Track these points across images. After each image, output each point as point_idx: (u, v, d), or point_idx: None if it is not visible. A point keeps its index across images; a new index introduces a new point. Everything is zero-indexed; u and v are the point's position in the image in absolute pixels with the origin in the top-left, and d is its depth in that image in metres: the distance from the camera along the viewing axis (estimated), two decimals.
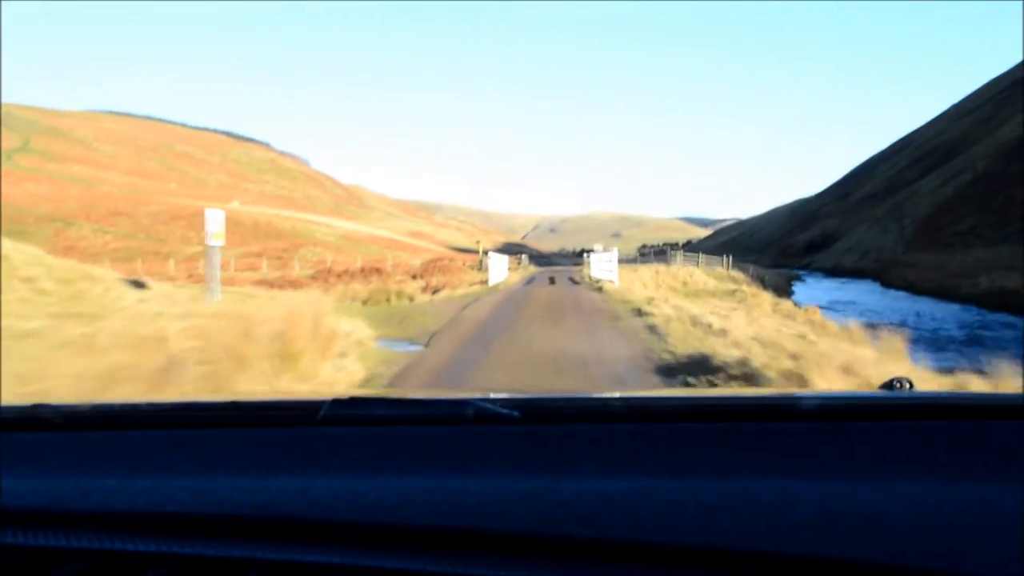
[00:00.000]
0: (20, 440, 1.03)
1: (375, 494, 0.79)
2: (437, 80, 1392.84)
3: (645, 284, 21.69)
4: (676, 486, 0.77)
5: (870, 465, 0.81)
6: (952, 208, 52.03)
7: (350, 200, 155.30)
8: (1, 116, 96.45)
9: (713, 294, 21.18)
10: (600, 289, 19.50)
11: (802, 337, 7.54)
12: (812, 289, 35.73)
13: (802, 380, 4.89)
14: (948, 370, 5.91)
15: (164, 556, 0.76)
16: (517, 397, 1.15)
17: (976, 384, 4.47)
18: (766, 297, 19.93)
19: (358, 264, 35.72)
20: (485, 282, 23.18)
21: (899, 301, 29.33)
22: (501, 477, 0.82)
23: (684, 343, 7.45)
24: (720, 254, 39.30)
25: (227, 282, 28.10)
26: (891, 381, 1.15)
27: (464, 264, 35.95)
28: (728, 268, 33.82)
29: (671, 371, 6.16)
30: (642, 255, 46.38)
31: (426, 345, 8.27)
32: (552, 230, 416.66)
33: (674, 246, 73.61)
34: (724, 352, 6.13)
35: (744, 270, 33.26)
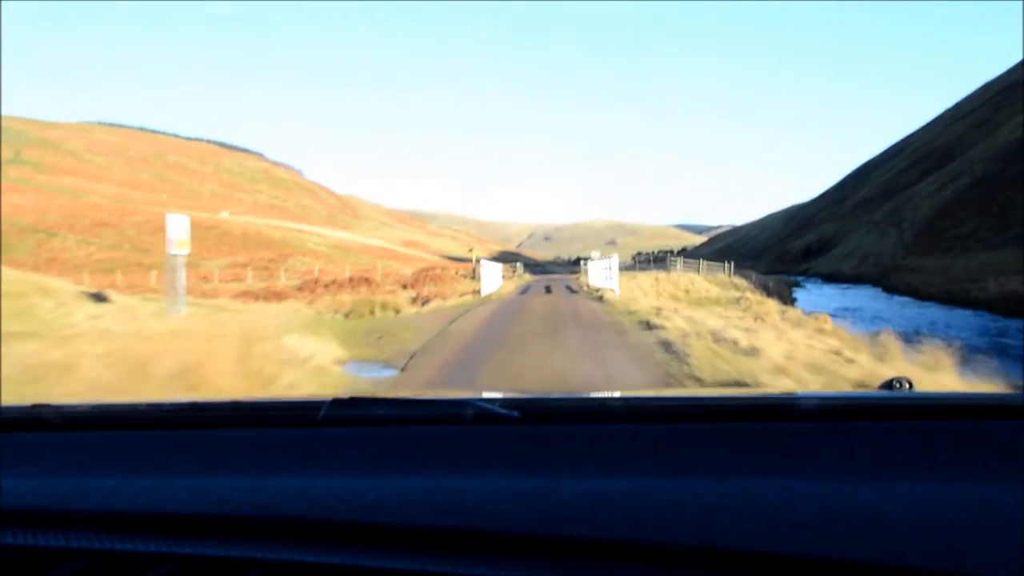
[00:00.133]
0: (20, 440, 1.03)
1: (375, 494, 0.79)
2: (432, 89, 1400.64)
3: (646, 292, 20.81)
4: (676, 486, 0.77)
5: (870, 465, 0.81)
6: (952, 212, 51.95)
7: (344, 210, 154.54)
8: None
9: (717, 302, 20.24)
10: (600, 298, 18.51)
11: (837, 354, 6.55)
12: (814, 295, 35.20)
13: None
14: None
15: (164, 556, 0.76)
16: (517, 397, 1.16)
17: None
18: (772, 305, 19.02)
19: (347, 274, 34.77)
20: (477, 292, 22.28)
21: (906, 307, 28.89)
22: (501, 477, 0.82)
23: (712, 366, 6.20)
24: (716, 261, 38.75)
25: (210, 294, 27.20)
26: (891, 381, 1.14)
27: (457, 273, 35.08)
28: (730, 275, 33.04)
29: None
30: (639, 263, 45.90)
31: (402, 369, 7.15)
32: (547, 238, 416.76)
33: (670, 253, 73.13)
34: (769, 380, 5.06)
35: (747, 277, 32.48)
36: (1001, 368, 8.52)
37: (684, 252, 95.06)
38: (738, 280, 31.13)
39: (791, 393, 1.58)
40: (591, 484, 0.78)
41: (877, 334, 9.10)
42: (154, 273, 36.36)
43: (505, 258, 64.14)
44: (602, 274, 23.94)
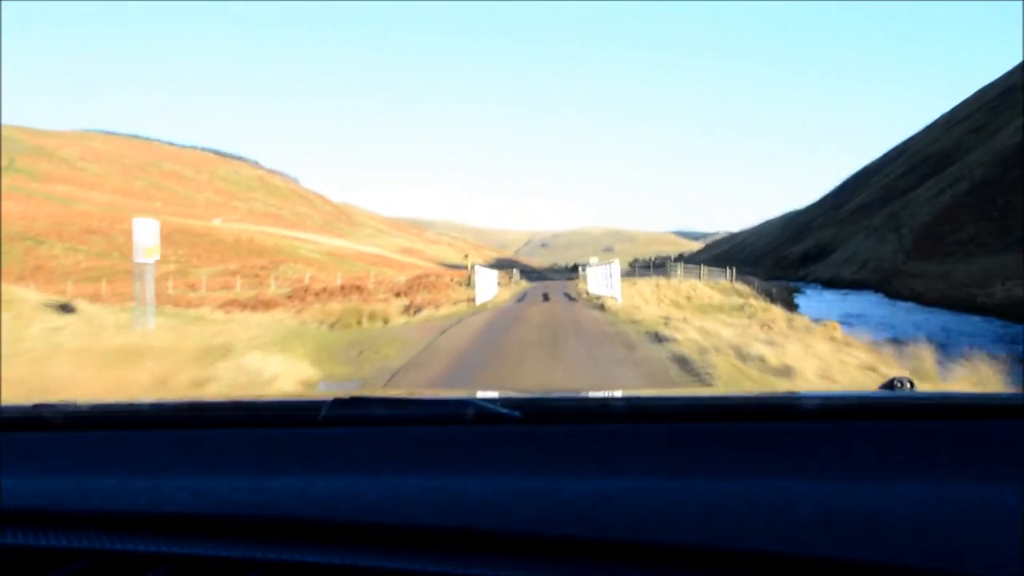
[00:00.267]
0: (20, 440, 1.03)
1: (375, 494, 0.79)
2: (430, 96, 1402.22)
3: (647, 299, 20.09)
4: (676, 486, 0.77)
5: (870, 465, 0.81)
6: (951, 217, 51.69)
7: (340, 218, 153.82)
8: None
9: (721, 309, 19.54)
10: (602, 307, 17.74)
11: (873, 370, 5.84)
12: (816, 301, 34.60)
13: None
14: None
15: (164, 556, 0.76)
16: (517, 397, 1.16)
17: None
18: (778, 312, 18.33)
19: (338, 282, 33.99)
20: (472, 300, 21.49)
21: (912, 313, 28.33)
22: (501, 477, 0.82)
23: (742, 389, 5.17)
24: (713, 267, 38.24)
25: (195, 303, 26.40)
26: (891, 381, 1.14)
27: (452, 280, 34.36)
28: (732, 281, 32.40)
29: None
30: (638, 269, 45.35)
31: None
32: (544, 245, 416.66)
33: (669, 259, 72.61)
34: None
35: (749, 283, 31.85)
36: None
37: (681, 258, 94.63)
38: (740, 286, 30.50)
39: (791, 393, 1.50)
40: (591, 484, 0.78)
41: (904, 344, 8.37)
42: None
43: (502, 265, 63.48)
44: (602, 281, 23.18)
